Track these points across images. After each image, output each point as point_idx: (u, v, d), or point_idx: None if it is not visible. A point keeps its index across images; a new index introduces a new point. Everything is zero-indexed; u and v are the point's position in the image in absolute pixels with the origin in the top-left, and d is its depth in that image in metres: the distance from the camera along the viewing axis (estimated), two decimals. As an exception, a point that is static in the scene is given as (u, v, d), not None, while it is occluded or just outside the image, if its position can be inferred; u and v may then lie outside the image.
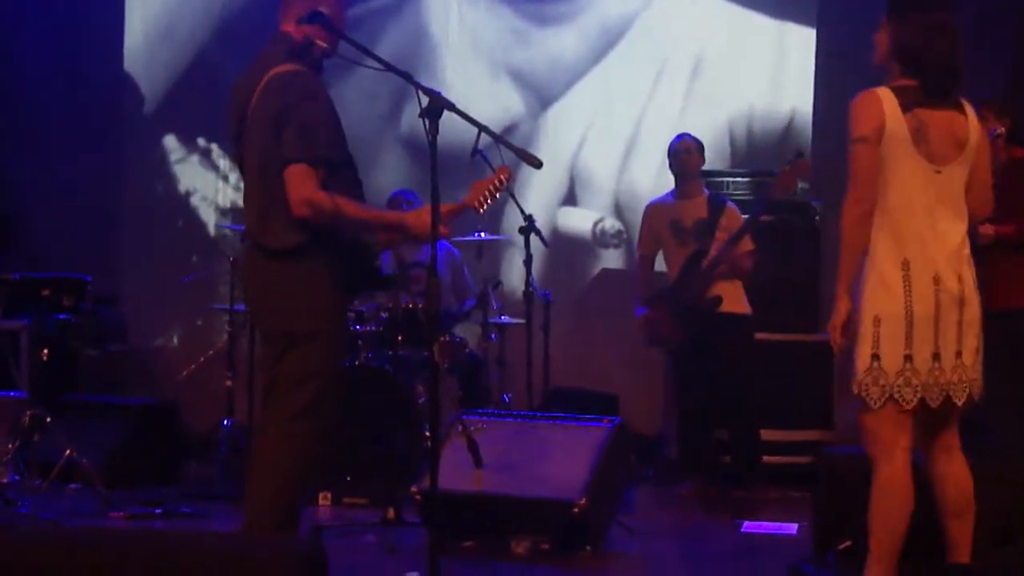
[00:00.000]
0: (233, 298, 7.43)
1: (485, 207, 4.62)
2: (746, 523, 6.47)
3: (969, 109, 4.43)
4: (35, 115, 9.25)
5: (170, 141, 9.35)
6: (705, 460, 7.30)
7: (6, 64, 9.25)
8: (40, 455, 6.78)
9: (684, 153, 7.25)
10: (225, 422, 7.35)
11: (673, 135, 7.44)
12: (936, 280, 4.29)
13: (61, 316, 8.14)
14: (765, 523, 6.48)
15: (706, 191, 7.34)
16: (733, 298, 7.08)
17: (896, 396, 4.28)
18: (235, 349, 7.49)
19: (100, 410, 7.51)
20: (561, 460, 5.78)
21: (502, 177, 4.59)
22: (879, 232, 4.34)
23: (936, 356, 4.29)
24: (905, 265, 4.30)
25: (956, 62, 4.40)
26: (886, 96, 4.35)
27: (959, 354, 4.32)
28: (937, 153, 4.35)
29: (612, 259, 8.99)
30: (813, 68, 8.64)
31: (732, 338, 7.05)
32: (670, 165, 7.33)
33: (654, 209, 7.40)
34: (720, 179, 7.85)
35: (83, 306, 8.30)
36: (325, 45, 4.48)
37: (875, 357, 4.29)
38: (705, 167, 7.47)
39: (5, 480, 6.39)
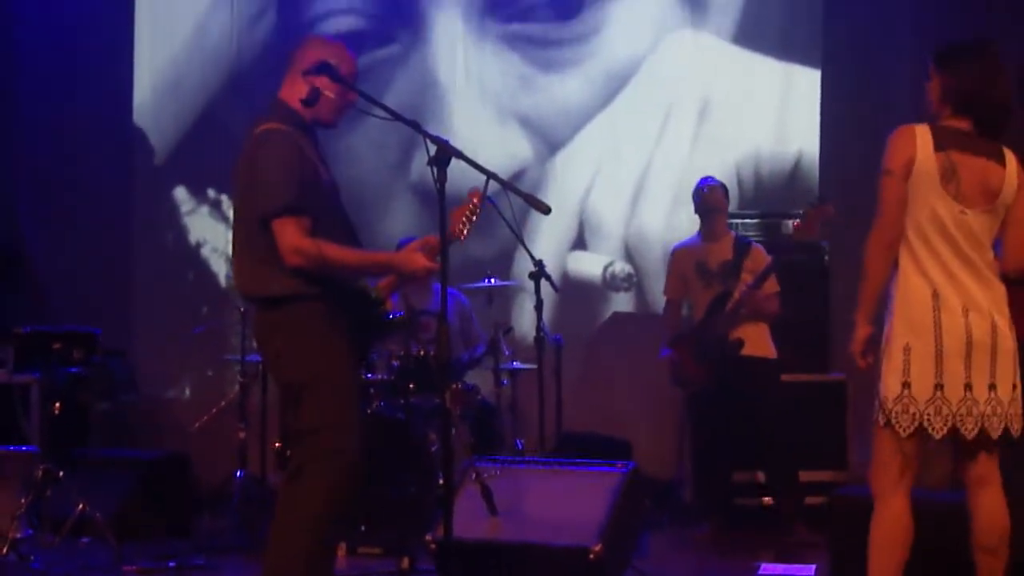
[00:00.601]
0: (244, 349, 7.44)
1: (465, 233, 4.66)
2: (763, 566, 6.43)
3: (1010, 158, 4.46)
4: (46, 168, 9.28)
5: (180, 193, 9.38)
6: (721, 503, 7.27)
7: (17, 117, 9.29)
8: (52, 509, 6.76)
9: (709, 195, 7.24)
10: (238, 474, 7.34)
11: (681, 178, 7.45)
12: (966, 311, 4.32)
13: (72, 369, 8.12)
14: (782, 565, 6.44)
15: (732, 233, 7.34)
16: (758, 341, 7.06)
17: (926, 424, 4.30)
18: (247, 400, 7.49)
19: (111, 464, 7.49)
20: (576, 506, 5.75)
21: (474, 200, 4.65)
22: (908, 263, 4.38)
23: (968, 387, 4.31)
24: (935, 295, 4.32)
25: (1007, 101, 4.46)
26: (922, 132, 4.39)
27: (992, 387, 4.33)
28: (965, 195, 4.37)
29: (622, 303, 8.97)
30: (819, 110, 8.66)
31: (755, 381, 7.02)
32: (696, 207, 7.32)
33: (680, 252, 7.39)
34: (729, 221, 7.84)
35: (94, 359, 8.29)
36: (332, 96, 4.52)
37: (906, 385, 4.31)
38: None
39: (18, 535, 6.36)
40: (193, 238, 9.39)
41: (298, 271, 4.38)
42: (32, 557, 6.29)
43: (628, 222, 8.96)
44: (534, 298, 7.16)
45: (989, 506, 4.45)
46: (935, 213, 4.35)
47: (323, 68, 4.47)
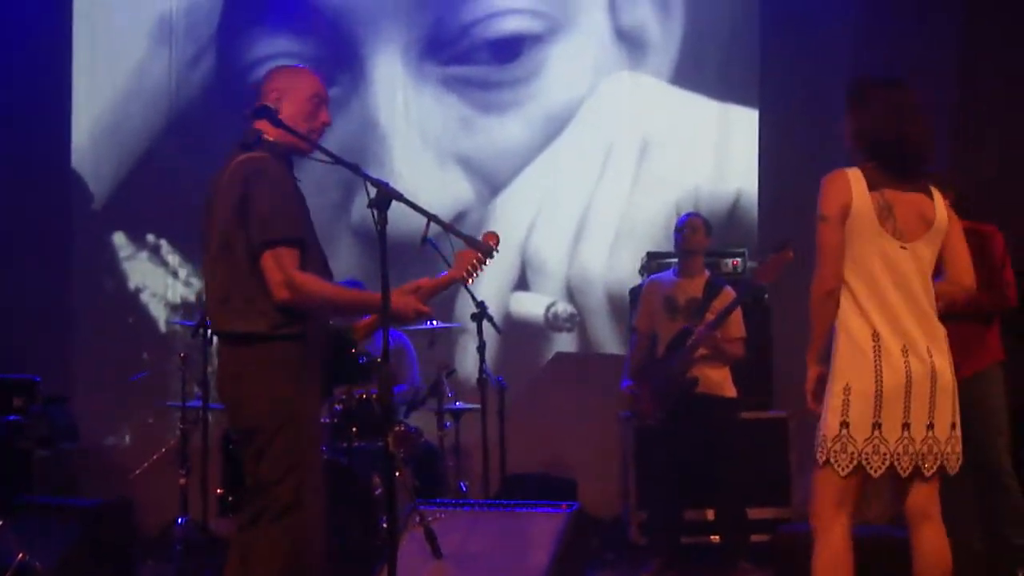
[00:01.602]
0: (185, 394, 7.39)
1: (474, 277, 4.65)
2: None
3: (936, 192, 4.53)
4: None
5: (119, 238, 9.30)
6: (668, 541, 7.25)
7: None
8: (-8, 559, 6.65)
9: (689, 231, 7.21)
10: (179, 520, 7.27)
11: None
12: (905, 351, 4.36)
13: (11, 417, 8.03)
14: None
15: (707, 272, 7.35)
16: (716, 380, 7.05)
17: (864, 463, 4.33)
18: (188, 446, 7.43)
19: (53, 511, 7.38)
20: (520, 548, 5.73)
21: (491, 243, 4.65)
22: (849, 304, 4.42)
23: (906, 426, 4.35)
24: (876, 336, 4.36)
25: (913, 143, 4.48)
26: (855, 176, 4.44)
27: (930, 426, 4.37)
28: (903, 230, 4.43)
29: (565, 343, 8.99)
30: (757, 148, 8.73)
31: (710, 419, 7.01)
32: (675, 243, 7.30)
33: (652, 285, 7.37)
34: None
35: (33, 407, 8.20)
36: (271, 139, 4.48)
37: (844, 424, 4.35)
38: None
39: (-44, 586, 6.26)
40: (132, 283, 9.30)
41: (284, 306, 4.29)
42: (-29, 609, 6.19)
43: (570, 263, 8.99)
44: (476, 339, 7.15)
45: (930, 542, 4.48)
46: (876, 252, 4.41)
47: (261, 112, 4.43)
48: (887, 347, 4.35)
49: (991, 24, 8.06)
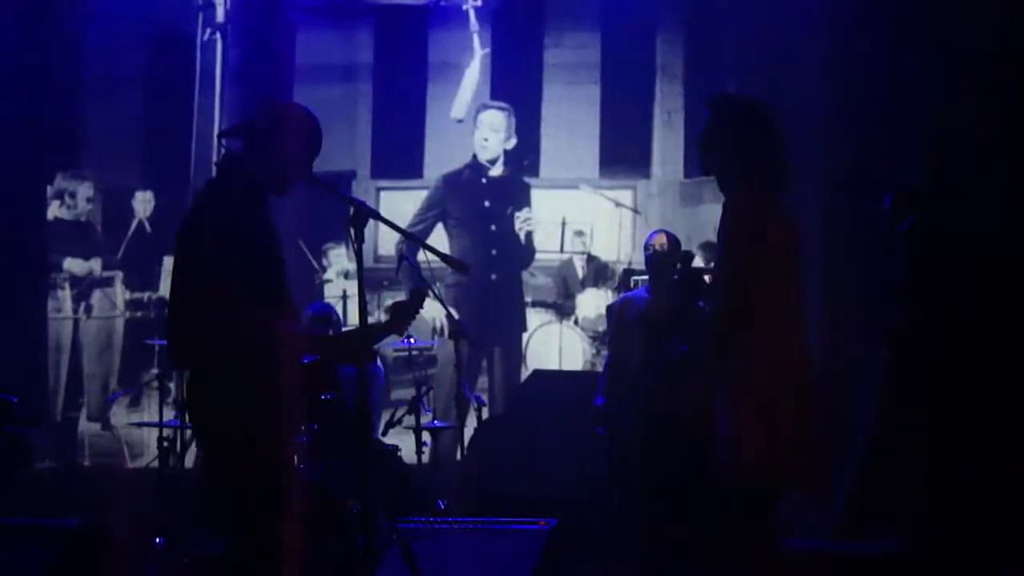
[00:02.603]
0: (163, 413, 7.35)
1: (407, 327, 4.63)
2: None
3: None
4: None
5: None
6: (645, 557, 7.24)
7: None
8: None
9: (658, 247, 7.17)
10: (157, 540, 7.22)
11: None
12: None
13: (-14, 438, 7.99)
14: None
15: None
16: (692, 398, 7.03)
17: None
18: (166, 465, 7.39)
19: (28, 533, 7.33)
20: (500, 566, 5.72)
21: (421, 297, 4.61)
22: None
23: None
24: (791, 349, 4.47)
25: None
26: (762, 200, 4.47)
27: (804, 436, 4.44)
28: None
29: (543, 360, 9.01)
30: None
31: (685, 436, 6.98)
32: (645, 260, 7.25)
33: (626, 302, 7.34)
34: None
35: (8, 427, 8.15)
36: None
37: None
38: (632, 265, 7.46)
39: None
40: (108, 302, 9.28)
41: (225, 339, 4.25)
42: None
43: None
44: (454, 357, 7.14)
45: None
46: (783, 267, 4.48)
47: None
48: (796, 361, 4.45)
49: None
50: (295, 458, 6.73)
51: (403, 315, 4.53)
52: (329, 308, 7.77)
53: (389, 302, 8.93)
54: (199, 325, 4.24)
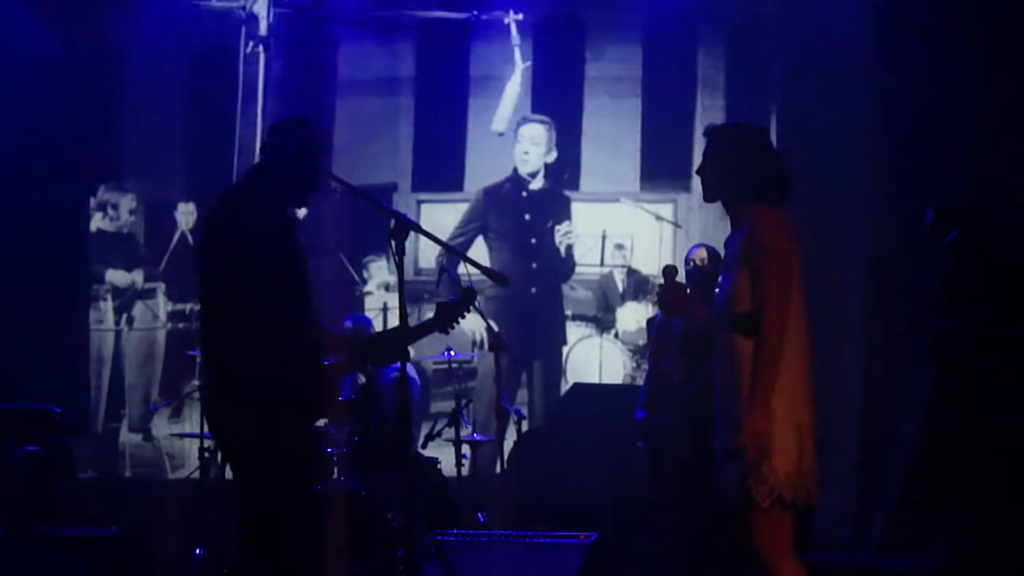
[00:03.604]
0: (203, 424, 7.37)
1: (452, 328, 4.65)
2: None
3: None
4: (1, 240, 9.19)
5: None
6: (684, 569, 7.21)
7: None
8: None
9: (698, 262, 7.15)
10: (197, 551, 7.25)
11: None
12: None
13: (30, 448, 8.03)
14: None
15: None
16: None
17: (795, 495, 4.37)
18: (206, 476, 7.42)
19: (70, 542, 7.38)
20: (539, 579, 5.72)
21: (471, 299, 4.63)
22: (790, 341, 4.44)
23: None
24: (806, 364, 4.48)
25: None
26: (784, 216, 4.55)
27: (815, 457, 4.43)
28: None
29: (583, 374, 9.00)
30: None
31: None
32: (686, 274, 7.24)
33: (665, 317, 7.34)
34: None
35: (52, 437, 8.20)
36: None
37: (801, 459, 4.36)
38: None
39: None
40: (152, 313, 9.34)
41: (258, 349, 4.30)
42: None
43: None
44: (494, 370, 7.14)
45: None
46: (798, 288, 4.49)
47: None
48: (811, 377, 4.45)
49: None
50: (333, 471, 6.78)
51: (450, 314, 4.58)
52: (366, 320, 7.79)
53: (430, 314, 8.95)
54: (241, 331, 4.31)
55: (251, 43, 9.27)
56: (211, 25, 9.28)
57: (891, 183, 8.06)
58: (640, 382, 7.76)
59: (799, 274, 4.49)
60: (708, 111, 8.98)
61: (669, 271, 5.05)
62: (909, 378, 7.39)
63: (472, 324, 8.43)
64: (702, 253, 7.15)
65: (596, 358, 9.01)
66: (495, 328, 7.05)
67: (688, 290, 7.19)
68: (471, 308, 4.61)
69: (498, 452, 7.24)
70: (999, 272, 6.78)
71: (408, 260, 7.83)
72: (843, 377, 7.77)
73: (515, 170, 9.21)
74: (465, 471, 7.52)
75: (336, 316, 8.29)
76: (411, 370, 7.87)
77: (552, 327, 9.07)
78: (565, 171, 9.20)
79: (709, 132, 4.73)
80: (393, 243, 4.23)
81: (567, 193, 9.18)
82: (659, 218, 8.88)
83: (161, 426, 9.00)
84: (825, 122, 8.31)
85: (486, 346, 7.24)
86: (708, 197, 4.72)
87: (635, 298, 9.00)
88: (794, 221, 8.15)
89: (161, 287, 9.31)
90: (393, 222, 4.24)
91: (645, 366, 7.40)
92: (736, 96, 8.96)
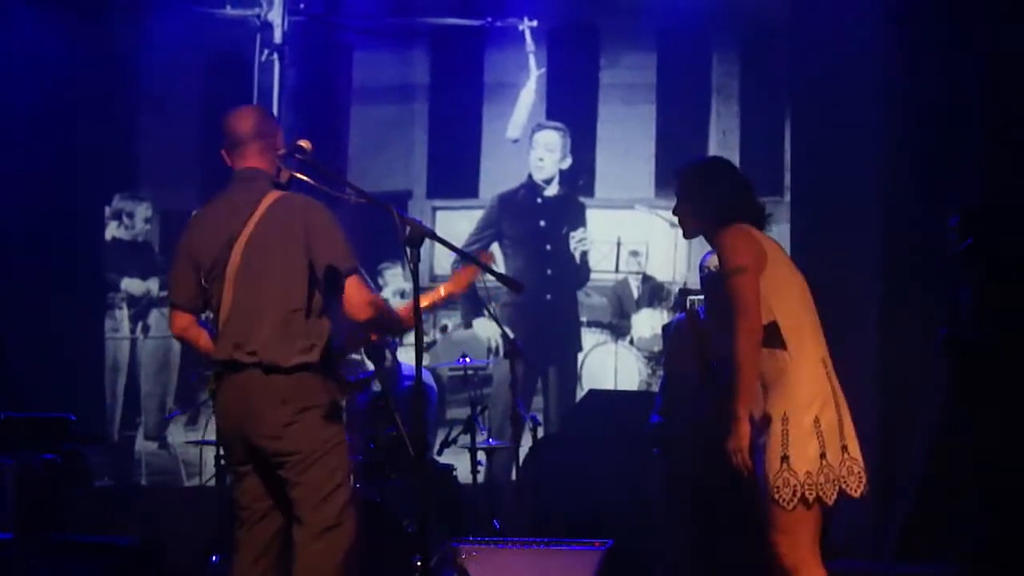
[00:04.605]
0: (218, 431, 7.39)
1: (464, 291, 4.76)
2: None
3: None
4: (13, 230, 9.23)
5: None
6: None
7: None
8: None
9: (714, 269, 7.13)
10: (213, 558, 7.27)
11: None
12: (830, 376, 4.49)
13: (46, 456, 8.06)
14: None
15: None
16: None
17: (844, 488, 4.39)
18: (222, 483, 7.44)
19: (86, 550, 7.41)
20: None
21: (485, 260, 4.71)
22: (796, 343, 4.50)
23: (844, 448, 4.44)
24: (824, 363, 4.52)
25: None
26: (750, 228, 4.67)
27: (845, 448, 4.44)
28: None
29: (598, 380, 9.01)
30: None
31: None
32: (700, 280, 7.25)
33: (680, 324, 7.35)
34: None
35: (67, 445, 8.23)
36: (310, 181, 4.57)
37: (823, 456, 4.39)
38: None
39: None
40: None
41: (363, 323, 4.51)
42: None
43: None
44: (509, 376, 7.16)
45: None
46: (796, 289, 4.61)
47: (302, 167, 4.56)
48: (831, 372, 4.48)
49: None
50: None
51: (466, 277, 4.73)
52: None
53: (444, 322, 8.99)
54: (300, 321, 4.52)
55: (266, 51, 9.30)
56: (226, 34, 9.31)
57: (905, 187, 8.07)
58: (655, 388, 7.77)
59: (795, 275, 4.63)
60: (722, 118, 8.99)
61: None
62: (926, 382, 7.41)
63: (487, 331, 8.46)
64: (715, 260, 7.14)
65: (611, 364, 9.02)
66: (510, 335, 7.06)
67: (703, 296, 7.22)
68: (489, 267, 4.69)
69: (513, 458, 7.25)
70: (1011, 277, 6.79)
71: (423, 267, 7.89)
72: (858, 381, 7.77)
73: (530, 176, 9.22)
74: (480, 478, 7.53)
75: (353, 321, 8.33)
76: (428, 377, 7.89)
77: (567, 333, 9.08)
78: (580, 178, 9.21)
79: (675, 175, 4.92)
80: (408, 250, 4.24)
81: (582, 200, 9.19)
82: (674, 225, 8.86)
83: (177, 434, 9.03)
84: (839, 128, 8.32)
85: (501, 353, 7.26)
86: (686, 235, 4.93)
87: (650, 304, 9.00)
88: (807, 226, 8.24)
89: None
90: (408, 229, 4.25)
91: (660, 372, 7.39)
92: (750, 103, 8.96)
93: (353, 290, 4.51)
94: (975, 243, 6.75)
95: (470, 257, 4.48)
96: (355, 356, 7.37)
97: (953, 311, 6.90)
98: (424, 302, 4.60)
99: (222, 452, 7.35)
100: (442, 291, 4.76)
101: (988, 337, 6.66)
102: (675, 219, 4.99)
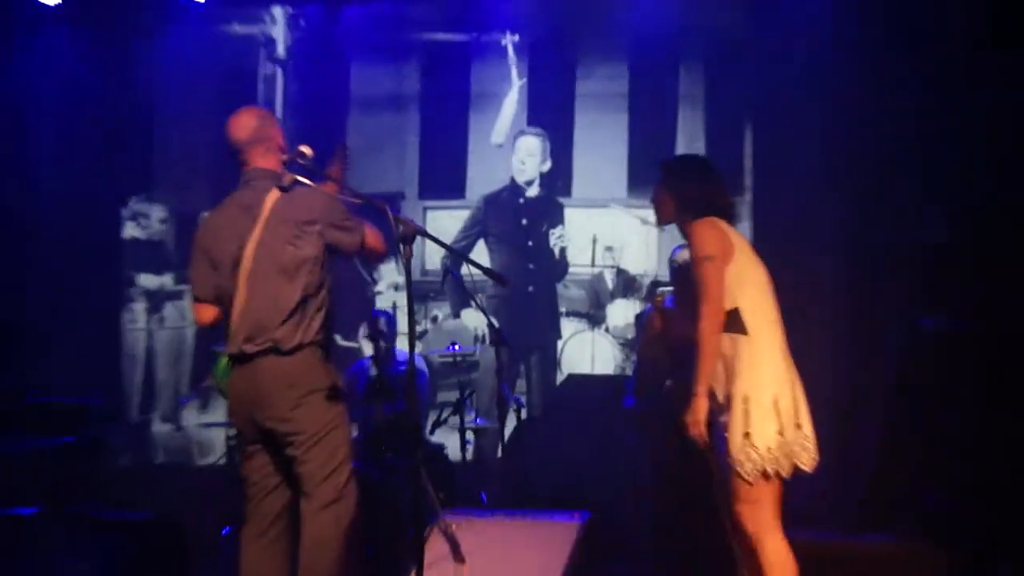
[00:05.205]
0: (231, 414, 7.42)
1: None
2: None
3: None
4: (39, 231, 9.24)
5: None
6: (678, 551, 7.21)
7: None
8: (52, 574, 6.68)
9: (682, 262, 7.14)
10: (224, 530, 7.29)
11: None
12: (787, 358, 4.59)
13: (67, 438, 8.07)
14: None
15: None
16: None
17: (798, 463, 4.50)
18: (232, 462, 7.46)
19: (106, 525, 7.40)
20: (537, 553, 5.76)
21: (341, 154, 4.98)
22: (759, 327, 4.58)
23: (798, 425, 4.52)
24: (782, 347, 4.60)
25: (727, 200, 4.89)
26: (719, 221, 4.71)
27: (799, 426, 4.51)
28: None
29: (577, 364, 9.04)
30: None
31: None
32: (670, 273, 7.27)
33: (651, 313, 7.36)
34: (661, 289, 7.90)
35: (90, 428, 8.24)
36: (309, 183, 4.61)
37: (781, 433, 4.50)
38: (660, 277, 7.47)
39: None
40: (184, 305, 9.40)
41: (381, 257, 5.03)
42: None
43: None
44: (495, 362, 7.19)
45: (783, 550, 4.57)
46: (760, 277, 4.66)
47: (304, 171, 4.61)
48: (788, 355, 4.56)
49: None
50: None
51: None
52: (389, 315, 7.88)
53: (435, 312, 9.02)
54: (304, 306, 4.63)
55: (270, 65, 9.32)
56: (233, 49, 9.33)
57: (855, 186, 8.09)
58: (629, 372, 7.82)
59: (759, 267, 4.69)
60: (689, 123, 9.04)
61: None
62: (877, 371, 7.45)
63: (474, 321, 8.51)
64: (684, 254, 7.16)
65: (588, 351, 9.07)
66: (495, 324, 7.10)
67: (672, 287, 7.25)
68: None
69: (499, 438, 7.30)
70: (983, 270, 6.81)
71: (415, 262, 7.92)
72: (815, 358, 7.80)
73: (512, 179, 9.26)
74: (469, 455, 7.58)
75: (352, 312, 8.40)
76: (420, 362, 7.93)
77: (548, 322, 9.13)
78: (559, 179, 9.26)
79: (659, 167, 4.96)
80: (402, 246, 4.28)
81: (560, 200, 9.24)
82: (645, 222, 8.92)
83: (190, 417, 9.07)
84: (799, 134, 8.35)
85: (487, 340, 7.30)
86: (660, 221, 4.96)
87: (624, 296, 9.06)
88: (769, 227, 8.24)
89: (189, 289, 9.34)
90: (401, 227, 4.29)
91: (633, 358, 7.43)
92: (714, 110, 9.01)
93: (372, 238, 4.73)
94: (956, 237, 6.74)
95: (458, 253, 4.54)
96: (354, 344, 7.44)
97: (936, 302, 6.93)
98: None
99: (232, 433, 7.41)
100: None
101: (968, 327, 6.69)
102: (647, 217, 5.06)
